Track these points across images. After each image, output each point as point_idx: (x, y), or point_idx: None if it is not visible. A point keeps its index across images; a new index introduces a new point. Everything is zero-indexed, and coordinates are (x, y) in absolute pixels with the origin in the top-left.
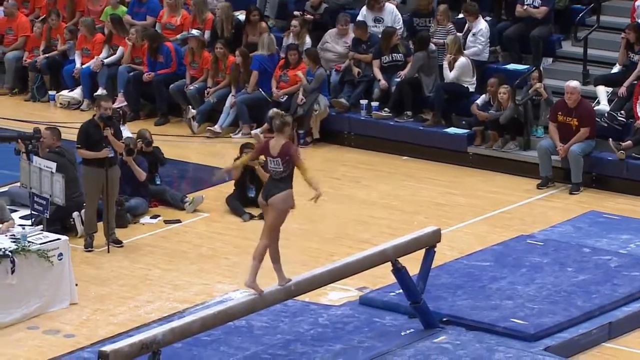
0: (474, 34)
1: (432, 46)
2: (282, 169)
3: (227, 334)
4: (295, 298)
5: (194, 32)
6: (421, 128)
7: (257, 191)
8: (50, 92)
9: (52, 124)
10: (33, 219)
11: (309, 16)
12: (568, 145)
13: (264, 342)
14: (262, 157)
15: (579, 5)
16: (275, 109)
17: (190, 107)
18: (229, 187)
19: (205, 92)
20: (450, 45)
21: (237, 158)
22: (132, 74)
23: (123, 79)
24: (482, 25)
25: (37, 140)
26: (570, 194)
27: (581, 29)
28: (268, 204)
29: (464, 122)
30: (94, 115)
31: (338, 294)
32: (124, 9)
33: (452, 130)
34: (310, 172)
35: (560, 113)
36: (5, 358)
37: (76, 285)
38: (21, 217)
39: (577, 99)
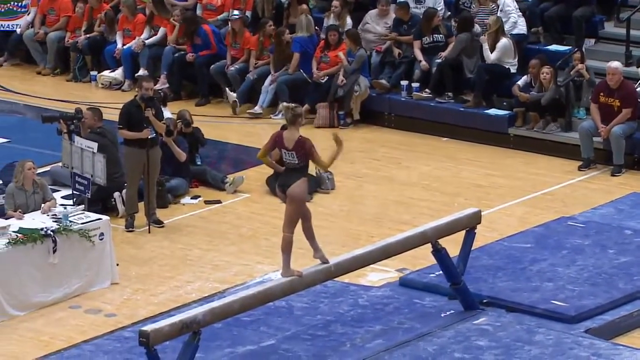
0: (501, 10)
1: (478, 28)
2: (297, 162)
3: (267, 315)
4: (335, 279)
5: (236, 12)
6: (462, 109)
7: None
8: (92, 73)
9: (94, 105)
10: (74, 199)
11: None
12: (610, 127)
13: (304, 322)
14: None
15: None
16: (284, 103)
17: (228, 89)
18: (268, 168)
19: (249, 72)
20: (492, 26)
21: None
22: (176, 55)
23: (168, 60)
24: None
25: (78, 121)
26: (612, 175)
27: (624, 10)
28: (287, 196)
29: (505, 104)
30: (136, 96)
31: (378, 275)
32: None
33: (493, 111)
34: (328, 163)
35: (602, 94)
36: (47, 337)
37: (117, 265)
38: (63, 197)
39: (619, 80)
